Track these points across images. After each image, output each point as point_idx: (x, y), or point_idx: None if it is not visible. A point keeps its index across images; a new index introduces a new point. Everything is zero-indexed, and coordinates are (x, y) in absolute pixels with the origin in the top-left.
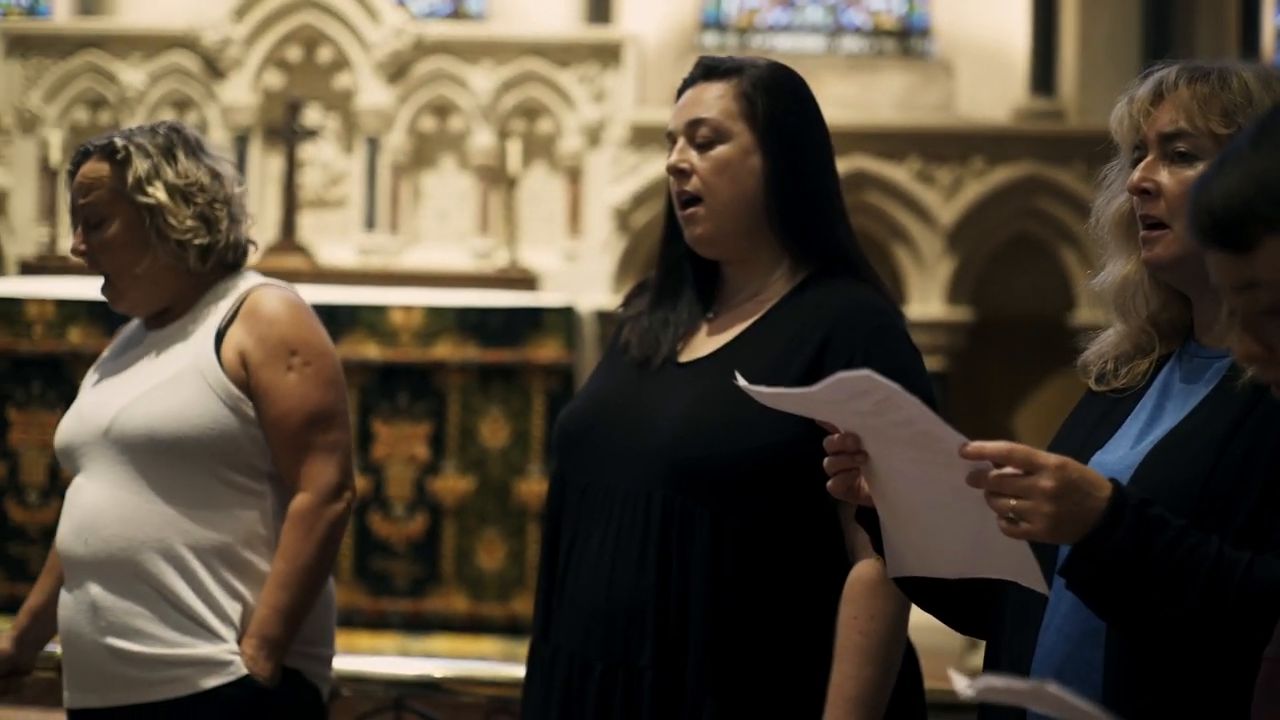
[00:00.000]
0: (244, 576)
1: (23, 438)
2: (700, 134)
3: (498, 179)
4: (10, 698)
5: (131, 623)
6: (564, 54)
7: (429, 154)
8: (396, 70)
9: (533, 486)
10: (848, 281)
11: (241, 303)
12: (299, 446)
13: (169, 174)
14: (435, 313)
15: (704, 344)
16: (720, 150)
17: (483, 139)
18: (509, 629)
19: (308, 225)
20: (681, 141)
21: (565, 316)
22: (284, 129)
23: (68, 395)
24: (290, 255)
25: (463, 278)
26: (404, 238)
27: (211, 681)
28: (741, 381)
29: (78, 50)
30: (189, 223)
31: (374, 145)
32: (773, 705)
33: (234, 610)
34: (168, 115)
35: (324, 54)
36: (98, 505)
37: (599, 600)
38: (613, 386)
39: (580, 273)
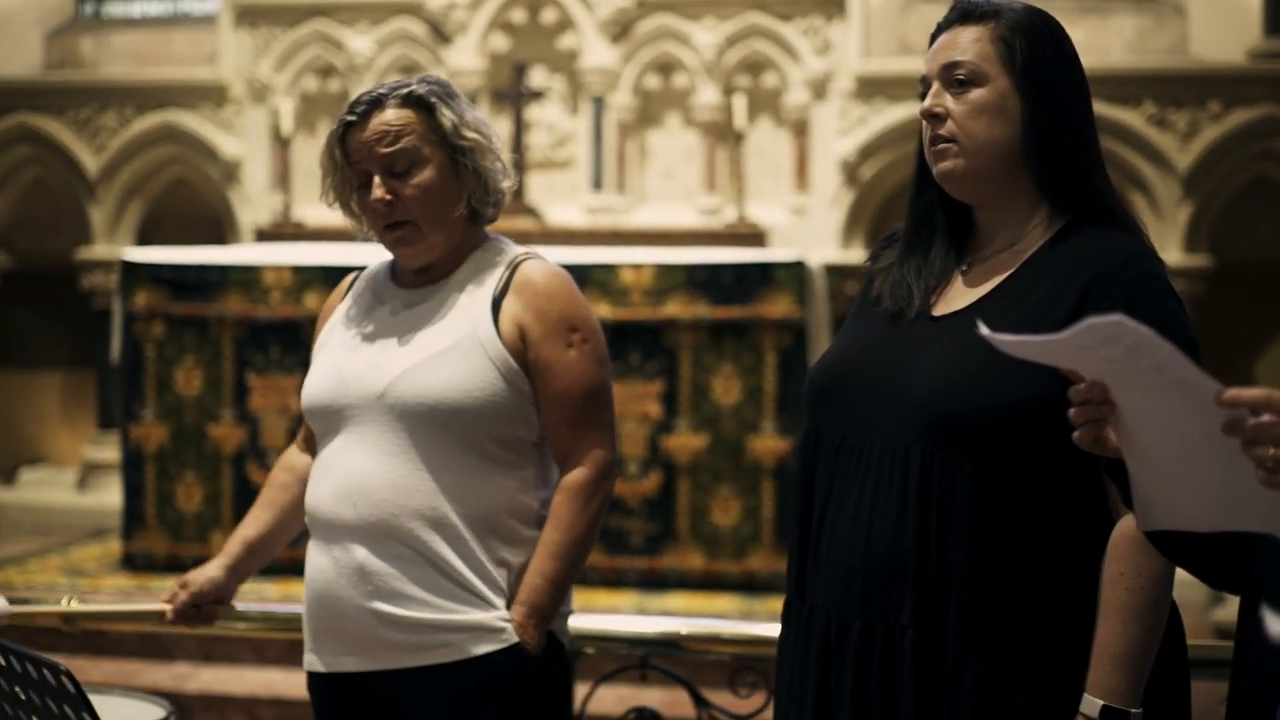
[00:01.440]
0: (510, 544)
1: (263, 402)
2: (956, 77)
3: (723, 135)
4: (201, 626)
5: (401, 588)
6: (787, 7)
7: (654, 112)
8: (620, 29)
9: (766, 443)
10: (1107, 230)
11: (512, 272)
12: (577, 422)
13: (470, 119)
14: (665, 271)
15: (959, 296)
16: (976, 94)
17: (707, 95)
18: (745, 586)
19: (536, 186)
20: (936, 85)
21: (796, 271)
22: (511, 91)
23: (305, 360)
24: (519, 217)
25: (691, 235)
26: (631, 197)
27: (483, 648)
28: (984, 330)
29: (306, 19)
30: (497, 165)
31: (599, 105)
32: (1035, 663)
33: (501, 577)
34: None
35: (548, 15)
36: (367, 470)
37: (856, 557)
38: (865, 340)
39: (808, 227)
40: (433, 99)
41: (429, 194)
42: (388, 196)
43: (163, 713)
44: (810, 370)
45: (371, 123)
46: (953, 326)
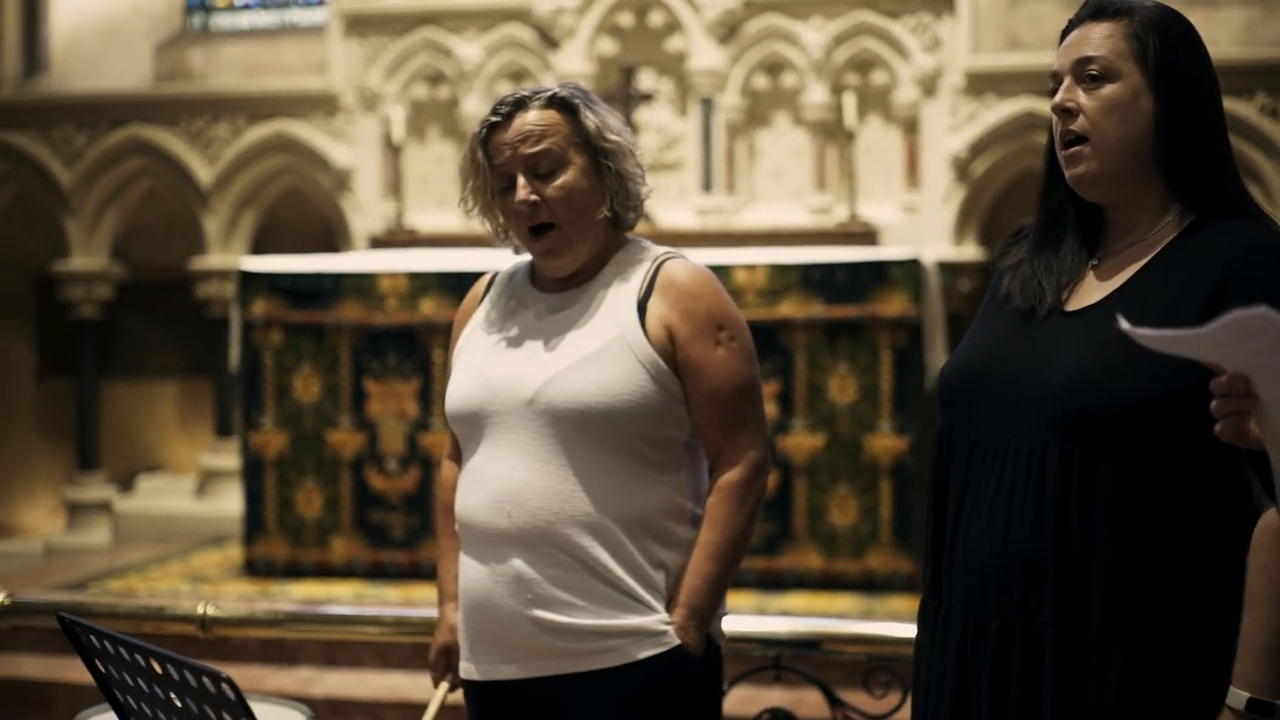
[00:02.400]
0: (667, 546)
1: (381, 408)
2: (1088, 73)
3: (832, 134)
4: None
5: (560, 595)
6: (896, 4)
7: (763, 112)
8: (728, 30)
9: (883, 442)
10: (1239, 222)
11: (655, 272)
12: (728, 421)
13: (611, 123)
14: (779, 271)
15: (1092, 291)
16: (1109, 90)
17: (816, 94)
18: (864, 585)
19: None
20: (1068, 80)
21: (911, 269)
22: (619, 95)
23: (422, 366)
24: None
25: (801, 234)
26: (741, 197)
27: (645, 652)
28: (1125, 325)
29: (414, 27)
30: (636, 170)
31: (708, 106)
32: (1180, 658)
33: (660, 580)
34: (505, 88)
35: (655, 18)
36: (520, 478)
37: (994, 556)
38: (997, 338)
39: (919, 225)
40: (575, 101)
41: (573, 195)
42: (533, 197)
43: (303, 718)
44: (942, 369)
45: (515, 124)
46: (1087, 321)
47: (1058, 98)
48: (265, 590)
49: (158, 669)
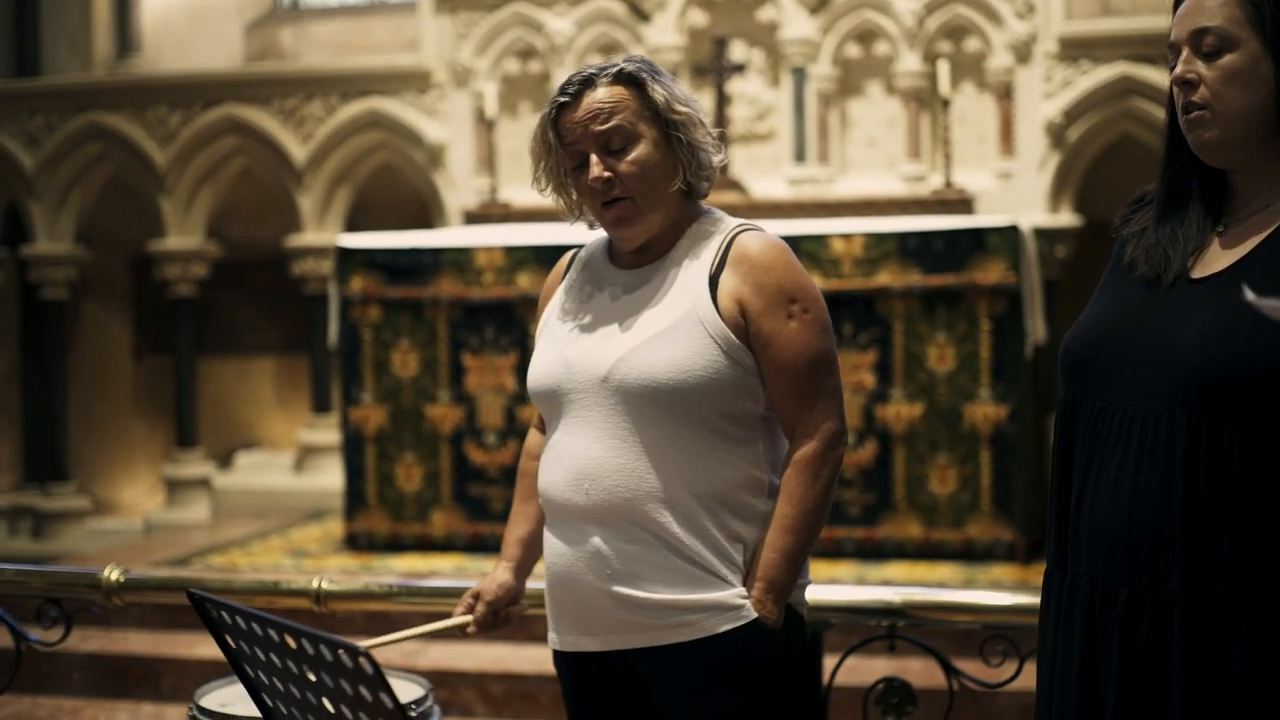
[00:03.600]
0: (743, 520)
1: (479, 382)
2: (1206, 43)
3: (925, 102)
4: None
5: (639, 570)
6: None
7: (855, 81)
8: (819, 0)
9: (983, 410)
10: None
11: (727, 246)
12: (803, 393)
13: (679, 94)
14: (876, 240)
15: (1218, 258)
16: (1228, 59)
17: (909, 63)
18: (964, 554)
19: (739, 160)
20: (1186, 51)
21: (1009, 236)
22: (711, 66)
23: (519, 339)
24: (725, 191)
25: (896, 203)
26: (834, 167)
27: (723, 626)
28: (1250, 295)
29: (505, 2)
30: (707, 140)
31: (800, 76)
32: None
33: (738, 553)
34: (596, 61)
35: None
36: (596, 455)
37: (1121, 526)
38: (1122, 306)
39: (1015, 192)
40: (643, 75)
41: (646, 169)
42: (606, 174)
43: (422, 690)
44: (1065, 338)
45: (584, 102)
46: (1214, 289)
47: (1178, 70)
48: (367, 564)
49: (291, 643)
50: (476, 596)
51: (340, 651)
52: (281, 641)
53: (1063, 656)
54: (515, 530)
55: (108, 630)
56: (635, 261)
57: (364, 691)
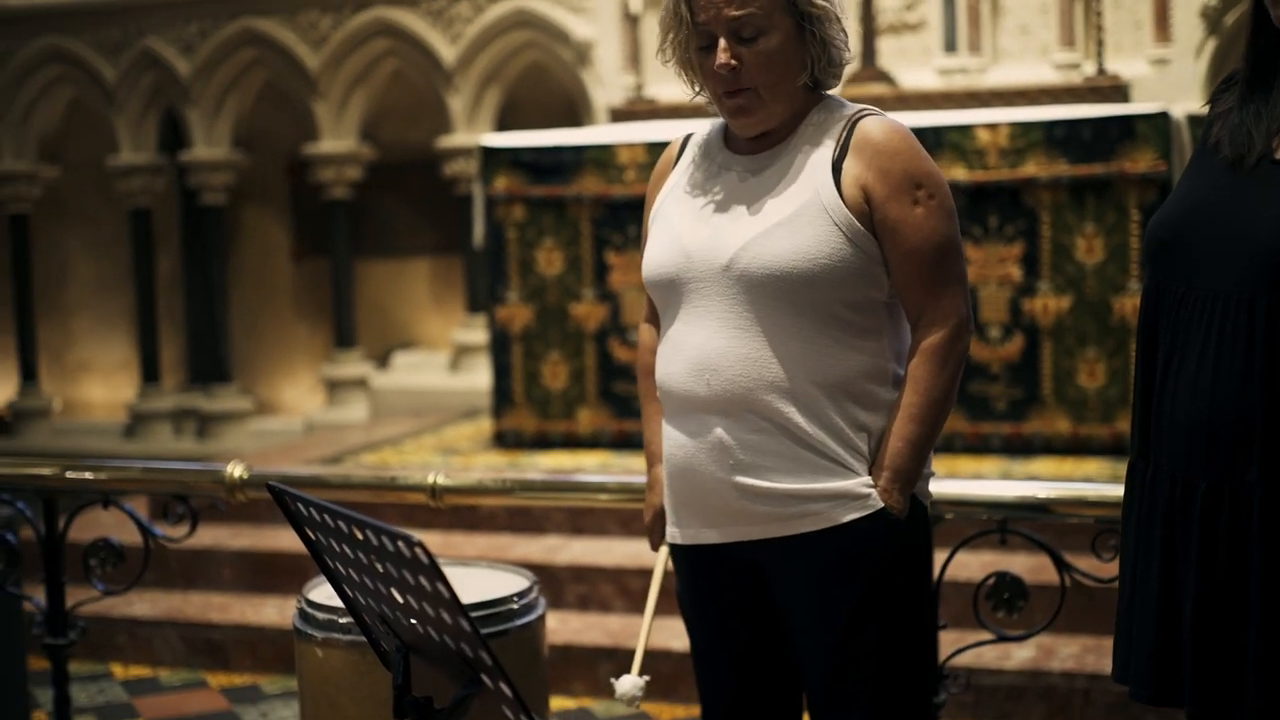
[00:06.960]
0: (868, 409)
1: (622, 279)
2: None
3: None
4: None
5: (763, 460)
6: None
7: None
8: None
9: (1133, 302)
10: None
11: (849, 132)
12: (929, 281)
13: None
14: (1022, 129)
15: None
16: None
17: None
18: (1113, 449)
19: (887, 51)
20: None
21: (1159, 124)
22: None
23: None
24: (872, 83)
25: (1049, 92)
26: (985, 57)
27: (849, 515)
28: None
29: None
30: (840, 35)
31: None
32: None
33: (863, 442)
34: None
35: None
36: (717, 345)
37: (1200, 416)
38: (1205, 188)
39: (1170, 79)
40: None
41: (774, 61)
42: (733, 62)
43: (527, 583)
44: (1149, 223)
45: None
46: None
47: None
48: (514, 461)
49: (359, 535)
50: (663, 516)
51: (399, 542)
52: (350, 533)
53: (1144, 549)
54: (658, 431)
55: (258, 527)
56: (754, 148)
57: (424, 582)
